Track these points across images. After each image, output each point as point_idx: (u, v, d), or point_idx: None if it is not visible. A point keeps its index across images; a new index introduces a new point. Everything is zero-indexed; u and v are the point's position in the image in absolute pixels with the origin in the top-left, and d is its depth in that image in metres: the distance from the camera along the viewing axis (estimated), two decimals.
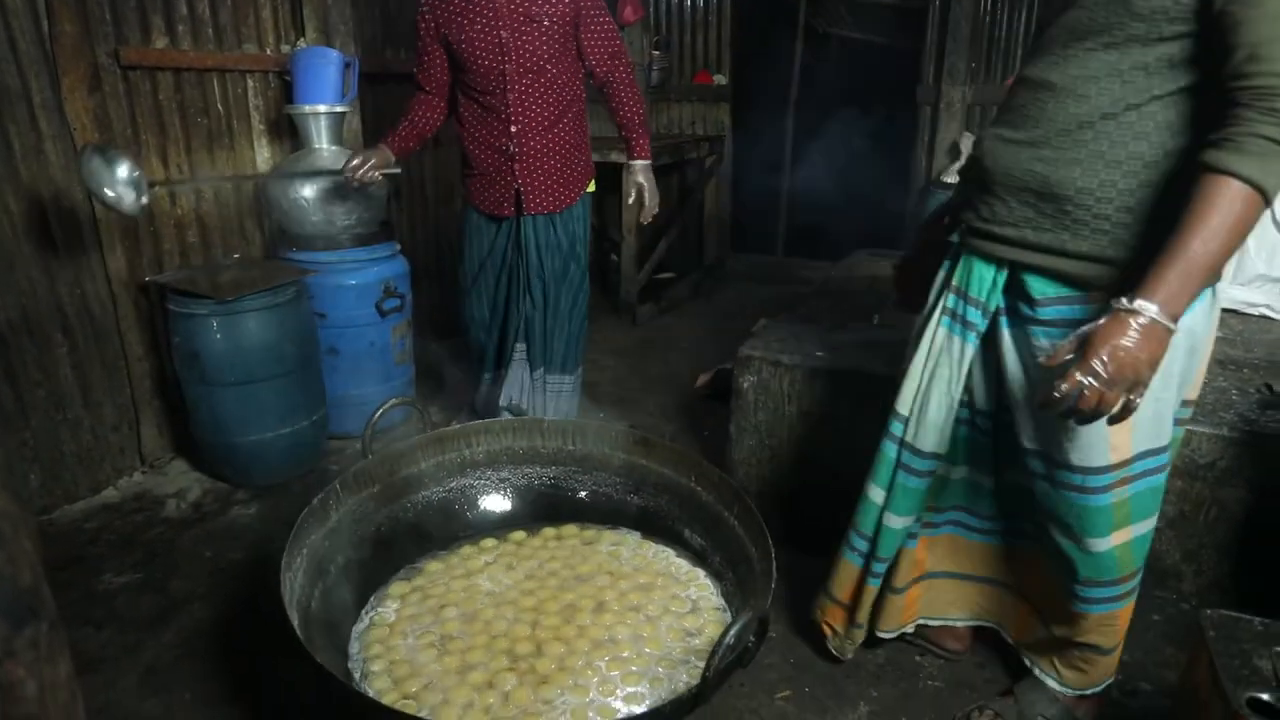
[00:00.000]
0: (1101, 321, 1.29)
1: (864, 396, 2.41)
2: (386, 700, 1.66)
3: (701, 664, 1.69)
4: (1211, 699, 1.45)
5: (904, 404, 1.72)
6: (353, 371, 3.12)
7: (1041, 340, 1.51)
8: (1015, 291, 1.54)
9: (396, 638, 1.86)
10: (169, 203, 2.89)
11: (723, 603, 1.98)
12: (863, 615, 1.88)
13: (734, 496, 2.01)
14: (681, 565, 2.09)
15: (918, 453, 1.70)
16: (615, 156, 4.09)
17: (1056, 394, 1.30)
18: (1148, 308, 1.25)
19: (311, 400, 2.88)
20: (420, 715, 1.60)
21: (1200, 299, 1.43)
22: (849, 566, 1.87)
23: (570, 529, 2.24)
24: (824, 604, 1.96)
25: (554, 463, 2.29)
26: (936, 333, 1.65)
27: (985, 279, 1.57)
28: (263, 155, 3.19)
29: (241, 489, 2.82)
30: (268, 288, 2.67)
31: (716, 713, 1.85)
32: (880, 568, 1.81)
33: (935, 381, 1.66)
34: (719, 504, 2.06)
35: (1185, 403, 1.56)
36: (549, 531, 2.24)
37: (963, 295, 1.60)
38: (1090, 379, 1.27)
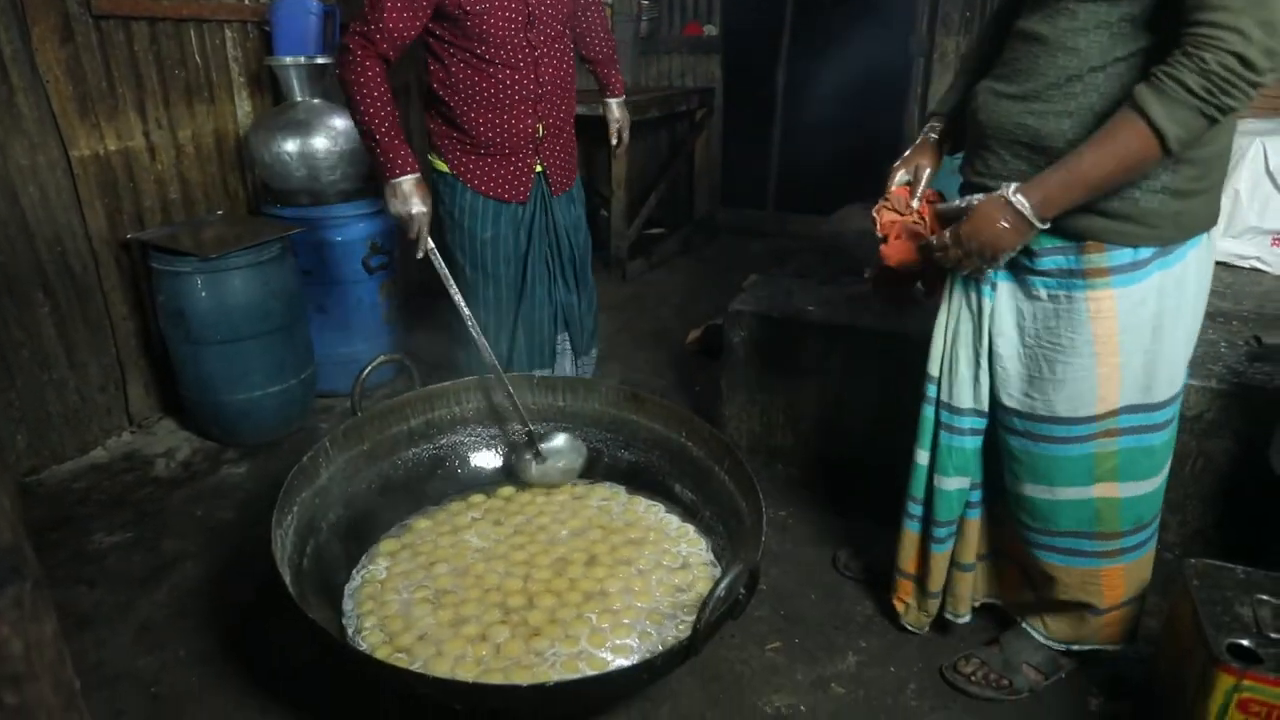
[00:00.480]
0: (982, 198, 1.43)
1: (855, 351, 2.40)
2: (379, 654, 1.68)
3: (691, 617, 1.71)
4: (1194, 645, 1.48)
5: (934, 364, 1.71)
6: (341, 329, 3.10)
7: (1039, 290, 1.51)
8: None
9: (389, 593, 1.87)
10: (148, 158, 2.83)
11: (713, 557, 2.00)
12: (934, 583, 1.85)
13: (724, 451, 2.02)
14: (672, 520, 2.11)
15: (956, 410, 1.69)
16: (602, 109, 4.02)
17: (930, 248, 1.51)
18: (1022, 202, 1.36)
19: (299, 358, 2.86)
20: (412, 668, 1.62)
21: (1194, 244, 1.43)
22: (909, 535, 1.85)
23: (563, 486, 2.25)
24: (895, 580, 1.93)
25: (544, 419, 2.29)
26: (954, 289, 1.65)
27: None
28: (243, 109, 3.13)
29: (231, 448, 2.81)
30: (252, 245, 2.63)
31: (707, 664, 1.88)
32: (942, 532, 1.78)
33: (960, 338, 1.65)
34: (709, 459, 2.06)
35: None
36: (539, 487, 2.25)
37: None
38: (954, 242, 1.46)
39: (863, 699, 1.82)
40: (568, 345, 2.56)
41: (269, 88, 3.17)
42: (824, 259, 2.98)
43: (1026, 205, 1.36)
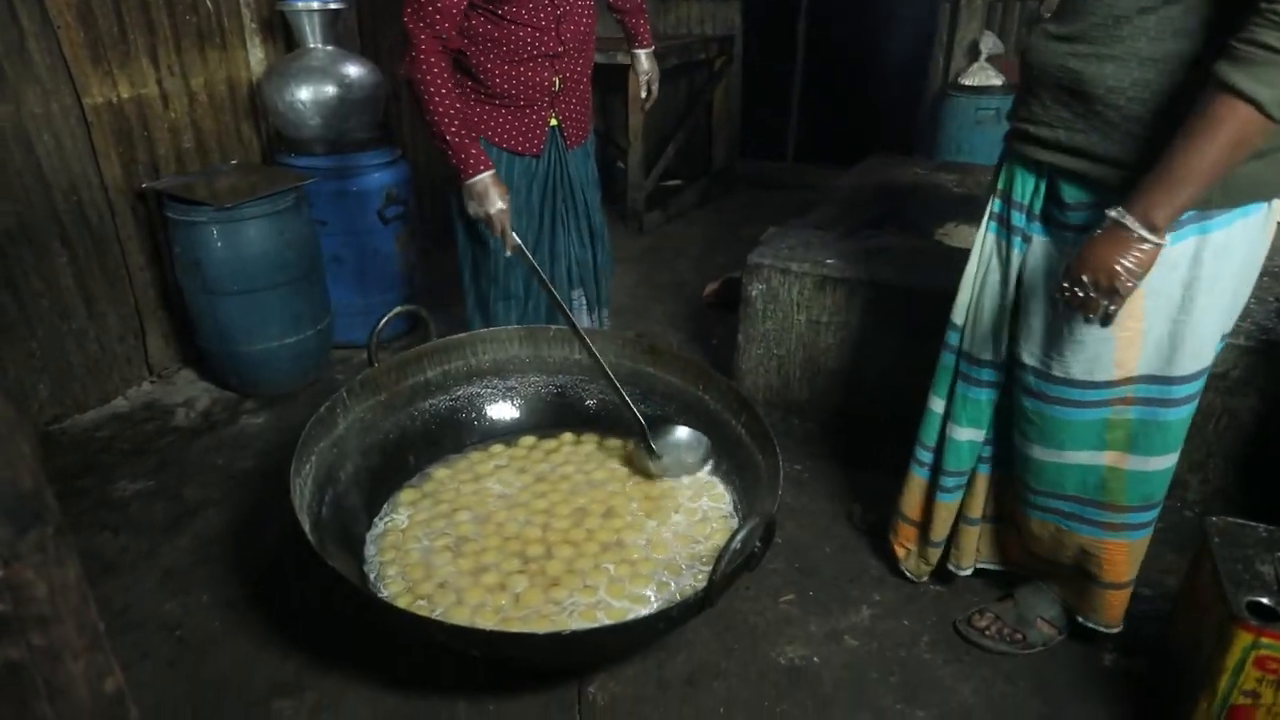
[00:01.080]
0: (1094, 233, 1.33)
1: (874, 305, 2.38)
2: (400, 602, 1.70)
3: (707, 569, 1.72)
4: (1213, 602, 1.47)
5: (959, 313, 1.68)
6: (357, 280, 3.09)
7: (1072, 247, 1.44)
8: (1052, 197, 1.48)
9: (410, 541, 1.90)
10: (162, 106, 2.80)
11: (730, 510, 2.00)
12: (937, 533, 1.85)
13: (741, 405, 2.01)
14: (704, 481, 2.10)
15: (976, 361, 1.67)
16: (622, 58, 3.94)
17: (1055, 295, 1.39)
18: (1128, 220, 1.27)
19: (316, 309, 2.86)
20: (432, 615, 1.65)
21: (1245, 213, 1.34)
22: (916, 480, 1.85)
23: (590, 437, 2.26)
24: (896, 524, 1.94)
25: (561, 371, 2.29)
26: (986, 239, 1.61)
27: (1027, 183, 1.51)
28: (256, 55, 3.08)
29: (249, 398, 2.83)
30: (267, 194, 2.61)
31: (722, 615, 1.89)
32: (950, 482, 1.78)
33: (986, 289, 1.62)
34: (726, 412, 2.06)
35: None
36: (567, 437, 2.26)
37: (1008, 200, 1.55)
38: (1072, 285, 1.35)
39: (876, 651, 1.83)
40: (583, 301, 2.54)
41: (282, 34, 3.12)
42: (845, 212, 2.93)
43: (1134, 221, 1.26)
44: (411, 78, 1.99)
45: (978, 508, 1.81)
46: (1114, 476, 1.58)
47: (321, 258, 2.90)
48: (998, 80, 4.25)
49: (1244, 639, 1.39)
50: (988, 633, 1.82)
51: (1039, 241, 1.52)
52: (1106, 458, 1.57)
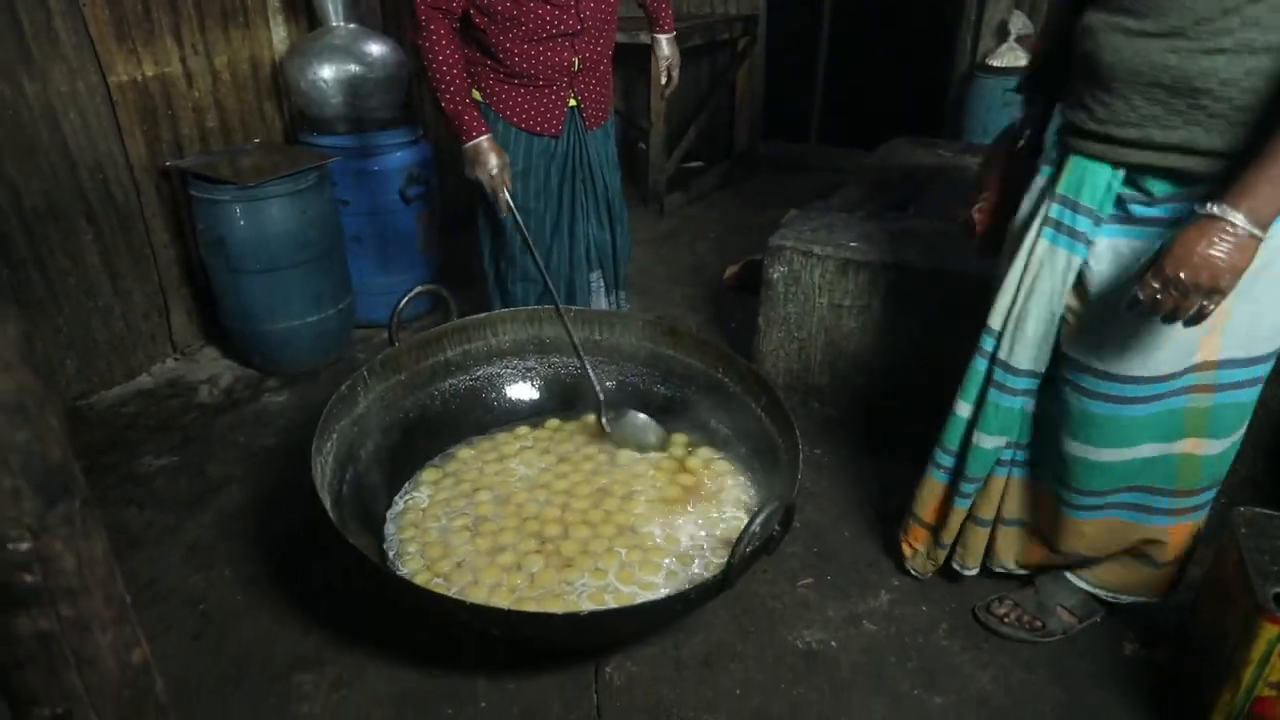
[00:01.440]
0: (1182, 229, 1.24)
1: (898, 289, 2.35)
2: (419, 580, 1.72)
3: (721, 556, 1.72)
4: (1239, 593, 1.45)
5: (996, 318, 1.61)
6: (378, 259, 3.10)
7: (1155, 242, 1.38)
8: (1132, 193, 1.42)
9: (430, 520, 1.91)
10: (186, 84, 2.81)
11: (749, 496, 2.00)
12: (948, 536, 1.82)
13: (761, 388, 2.00)
14: (722, 465, 2.09)
15: (1012, 370, 1.61)
16: (644, 38, 3.91)
17: (1138, 296, 1.28)
18: (1231, 214, 1.19)
19: (337, 288, 2.88)
20: (450, 594, 1.66)
21: None
22: (933, 484, 1.81)
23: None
24: (908, 524, 1.90)
25: (582, 352, 2.28)
26: (1037, 245, 1.52)
27: (1099, 184, 1.43)
28: (279, 34, 3.08)
29: (271, 376, 2.85)
30: (290, 173, 2.62)
31: (740, 598, 1.90)
32: (969, 488, 1.74)
33: (1035, 296, 1.53)
34: (746, 395, 2.05)
35: None
36: (591, 418, 2.24)
37: (1070, 204, 1.46)
38: (1164, 285, 1.24)
39: (894, 636, 1.82)
40: (601, 283, 2.53)
41: (304, 12, 3.12)
42: (869, 194, 2.90)
43: (1240, 218, 1.19)
44: (416, 44, 2.05)
45: (990, 510, 1.77)
46: (1188, 463, 1.55)
47: (343, 237, 2.91)
48: (1026, 61, 4.18)
49: (1270, 631, 1.37)
50: (1007, 620, 1.81)
51: (1106, 243, 1.45)
52: (1181, 446, 1.53)
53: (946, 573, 1.94)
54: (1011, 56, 4.22)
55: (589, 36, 2.17)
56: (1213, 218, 1.21)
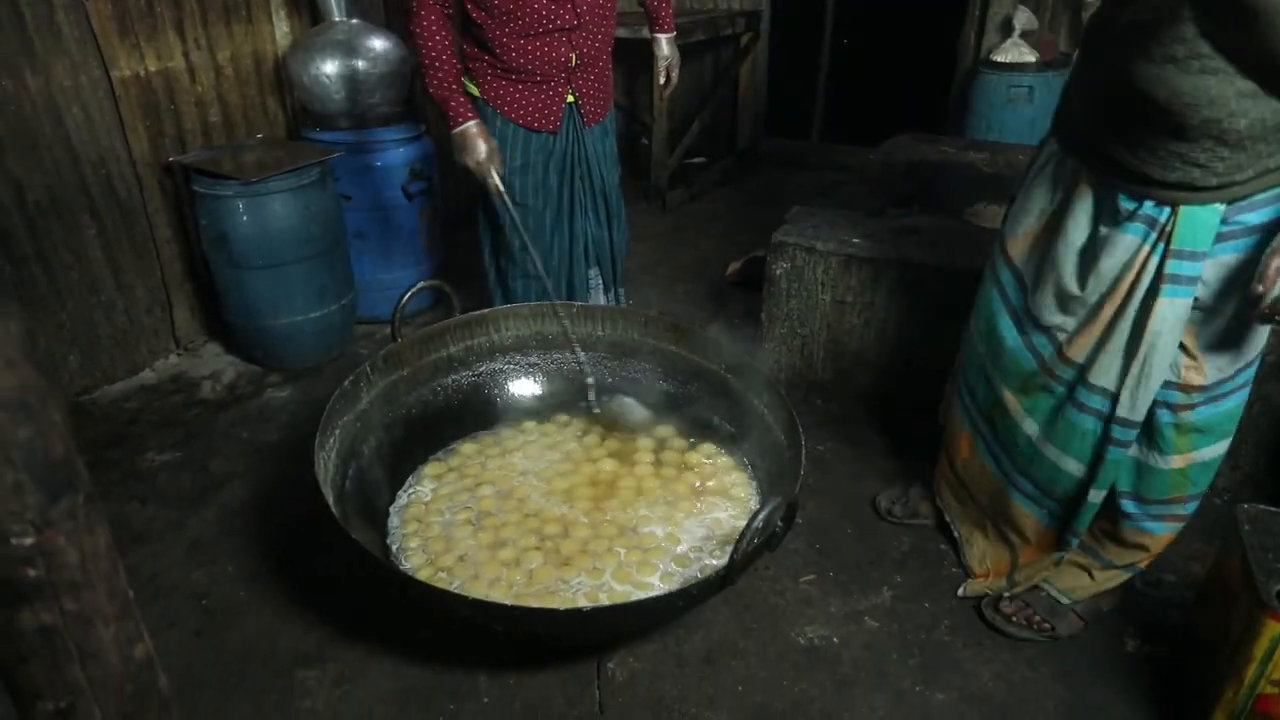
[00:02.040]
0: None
1: (901, 285, 2.35)
2: (421, 575, 1.72)
3: (721, 558, 1.72)
4: (1242, 590, 1.45)
5: (1111, 379, 1.56)
6: (380, 255, 3.10)
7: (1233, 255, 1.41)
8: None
9: (433, 515, 1.91)
10: (188, 79, 2.81)
11: (752, 493, 2.00)
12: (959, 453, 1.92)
13: (764, 384, 2.00)
14: (725, 461, 2.09)
15: (1119, 422, 1.58)
16: (646, 33, 3.89)
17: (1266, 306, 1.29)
18: None
19: (340, 284, 2.87)
20: (451, 589, 1.66)
21: None
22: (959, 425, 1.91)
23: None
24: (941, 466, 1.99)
25: (583, 348, 2.28)
26: (1159, 307, 1.45)
27: (1211, 224, 1.40)
28: (281, 29, 3.08)
29: (274, 372, 2.85)
30: (292, 168, 2.62)
31: (742, 594, 1.90)
32: (1028, 486, 1.80)
33: (1158, 352, 1.48)
34: (749, 392, 2.05)
35: None
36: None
37: (1189, 255, 1.42)
38: None
39: (896, 632, 1.82)
40: (599, 280, 2.53)
41: (307, 7, 3.11)
42: (871, 191, 2.90)
43: None
44: (409, 31, 2.08)
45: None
46: (1178, 476, 1.61)
47: (346, 232, 2.91)
48: (1031, 57, 4.16)
49: (1273, 628, 1.37)
50: (1014, 620, 1.81)
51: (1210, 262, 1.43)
52: (1175, 461, 1.59)
53: (947, 571, 1.94)
54: (1015, 52, 4.20)
55: (586, 32, 2.16)
56: None
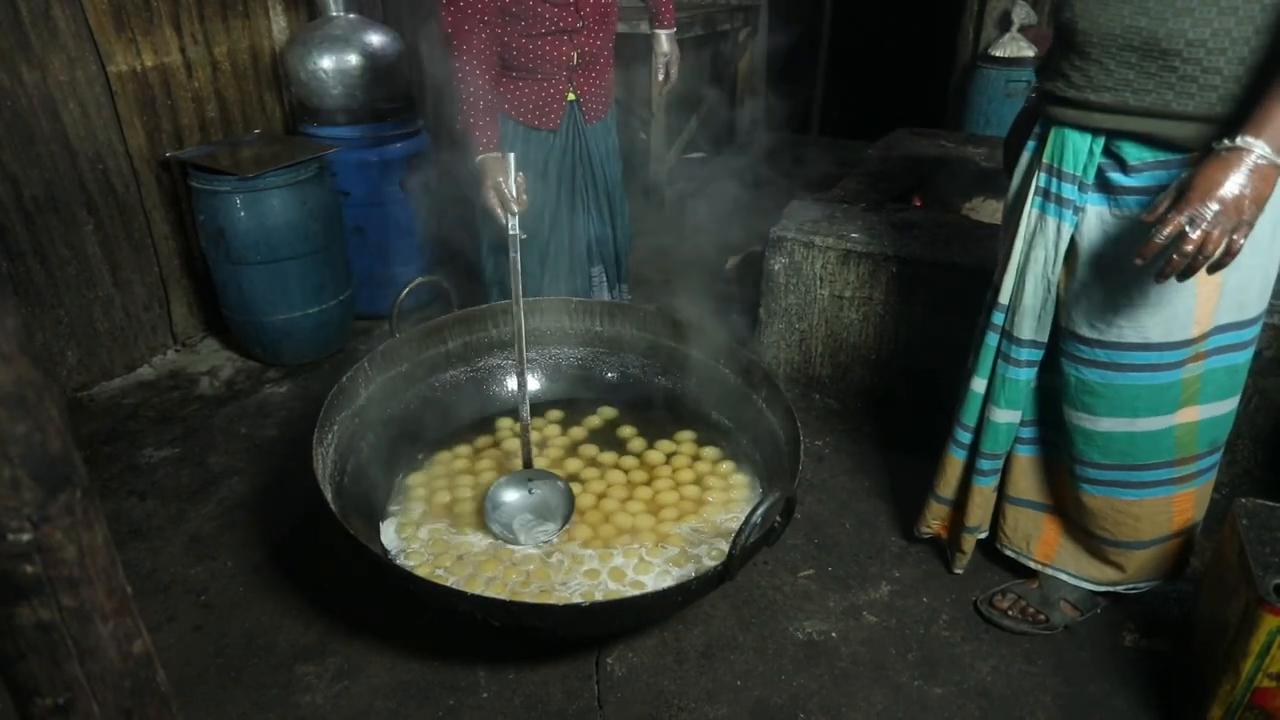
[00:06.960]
0: (1203, 164, 1.25)
1: (899, 280, 2.35)
2: (421, 571, 1.72)
3: (718, 558, 1.72)
4: (1240, 584, 1.45)
5: (1004, 293, 1.63)
6: (379, 251, 3.09)
7: (1135, 209, 1.42)
8: (1109, 161, 1.44)
9: (432, 512, 1.91)
10: (185, 75, 2.80)
11: (749, 489, 2.00)
12: (972, 518, 1.82)
13: (762, 380, 2.00)
14: (723, 456, 2.09)
15: (1017, 341, 1.63)
16: (645, 28, 3.89)
17: (1158, 240, 1.25)
18: (1255, 144, 1.21)
19: (338, 280, 2.87)
20: (449, 586, 1.66)
21: None
22: (953, 461, 1.82)
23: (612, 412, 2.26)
24: (930, 505, 1.90)
25: (582, 344, 2.29)
26: (1030, 215, 1.56)
27: (1080, 151, 1.47)
28: (278, 24, 3.07)
29: (272, 368, 2.85)
30: (290, 164, 2.61)
31: (740, 589, 1.90)
32: (986, 465, 1.76)
33: (1030, 265, 1.57)
34: (747, 387, 2.05)
35: None
36: (607, 411, 2.25)
37: (1055, 172, 1.50)
38: (1191, 220, 1.22)
39: (894, 627, 1.83)
40: (603, 278, 2.52)
41: (304, 2, 3.10)
42: (870, 185, 2.89)
43: (1263, 146, 1.20)
44: (451, 65, 1.99)
45: (1019, 489, 1.79)
46: (1186, 432, 1.57)
47: (344, 228, 2.91)
48: (1030, 52, 4.16)
49: (1271, 622, 1.37)
50: (1010, 613, 1.81)
51: (1094, 210, 1.48)
52: (1179, 416, 1.55)
53: (946, 567, 1.95)
54: (1014, 47, 4.20)
55: (589, 32, 2.16)
56: (1236, 149, 1.22)
